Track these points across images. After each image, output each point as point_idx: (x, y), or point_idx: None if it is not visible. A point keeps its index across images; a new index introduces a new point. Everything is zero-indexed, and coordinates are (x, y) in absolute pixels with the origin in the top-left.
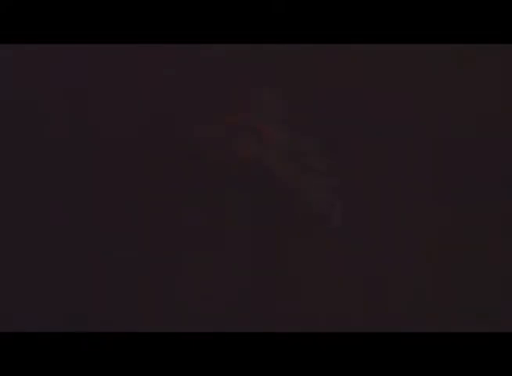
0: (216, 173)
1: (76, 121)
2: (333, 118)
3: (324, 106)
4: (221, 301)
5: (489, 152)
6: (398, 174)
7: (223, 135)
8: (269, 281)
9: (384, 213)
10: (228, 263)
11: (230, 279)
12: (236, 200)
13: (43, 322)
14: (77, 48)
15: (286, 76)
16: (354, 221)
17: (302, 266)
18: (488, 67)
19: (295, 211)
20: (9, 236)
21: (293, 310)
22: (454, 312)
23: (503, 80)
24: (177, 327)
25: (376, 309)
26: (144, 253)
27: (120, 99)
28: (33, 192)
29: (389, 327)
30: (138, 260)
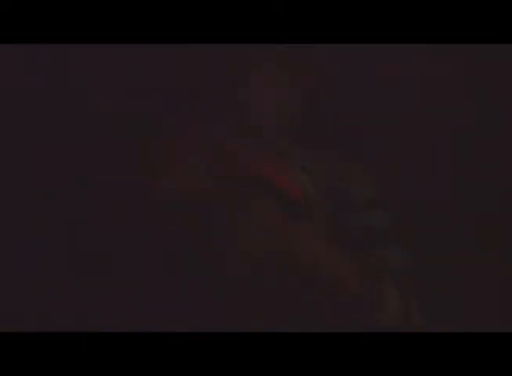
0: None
1: (75, 121)
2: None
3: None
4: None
5: (489, 152)
6: None
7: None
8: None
9: None
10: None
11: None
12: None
13: (43, 322)
14: (77, 49)
15: (286, 76)
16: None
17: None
18: (488, 67)
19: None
20: (8, 236)
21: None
22: (454, 312)
23: (503, 80)
24: (177, 327)
25: (377, 309)
26: (143, 252)
27: (120, 99)
28: (32, 192)
29: (390, 327)
30: (137, 260)
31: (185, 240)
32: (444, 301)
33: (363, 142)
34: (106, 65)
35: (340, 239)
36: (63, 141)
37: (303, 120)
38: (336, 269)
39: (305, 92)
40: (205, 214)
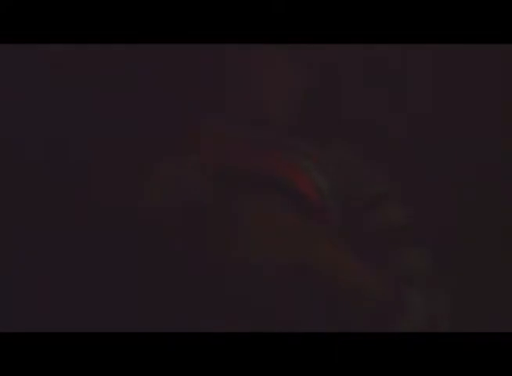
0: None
1: (75, 121)
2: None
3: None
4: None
5: (489, 152)
6: None
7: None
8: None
9: None
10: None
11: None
12: None
13: (43, 322)
14: (77, 49)
15: (286, 76)
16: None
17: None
18: (488, 67)
19: None
20: (8, 237)
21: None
22: (454, 312)
23: (503, 80)
24: (177, 327)
25: (379, 309)
26: (143, 251)
27: (120, 100)
28: (32, 192)
29: (386, 320)
30: (137, 259)
31: (187, 241)
32: (470, 305)
33: (369, 138)
34: (105, 65)
35: (357, 239)
36: (61, 141)
37: (305, 118)
38: (354, 273)
39: (306, 91)
40: (210, 214)
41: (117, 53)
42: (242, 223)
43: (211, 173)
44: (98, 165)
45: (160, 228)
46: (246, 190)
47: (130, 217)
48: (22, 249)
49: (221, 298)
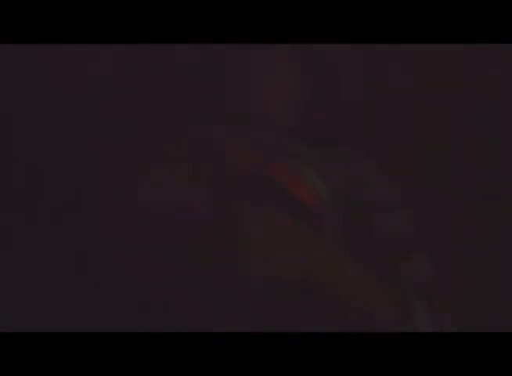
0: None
1: (75, 121)
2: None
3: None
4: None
5: (489, 152)
6: None
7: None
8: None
9: None
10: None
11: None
12: None
13: (43, 322)
14: (77, 49)
15: (286, 76)
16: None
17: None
18: (489, 67)
19: None
20: (8, 237)
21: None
22: (454, 312)
23: (503, 80)
24: (177, 328)
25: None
26: (143, 251)
27: (120, 100)
28: (32, 192)
29: (390, 327)
30: (137, 259)
31: (187, 241)
32: (470, 305)
33: (369, 139)
34: (105, 65)
35: (358, 247)
36: (61, 141)
37: (305, 119)
38: (355, 282)
39: (306, 91)
40: (210, 214)
41: (117, 53)
42: (242, 223)
43: (210, 174)
44: (98, 165)
45: (160, 228)
46: (246, 191)
47: (130, 217)
48: (22, 249)
49: (221, 298)
